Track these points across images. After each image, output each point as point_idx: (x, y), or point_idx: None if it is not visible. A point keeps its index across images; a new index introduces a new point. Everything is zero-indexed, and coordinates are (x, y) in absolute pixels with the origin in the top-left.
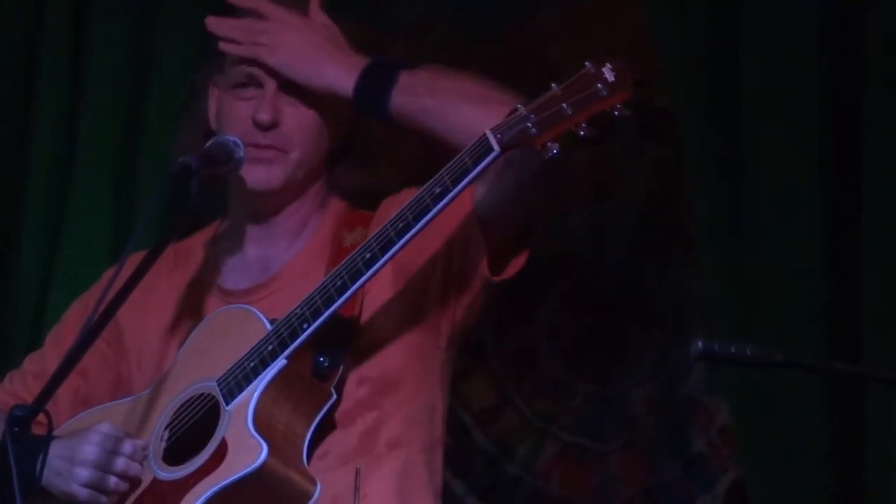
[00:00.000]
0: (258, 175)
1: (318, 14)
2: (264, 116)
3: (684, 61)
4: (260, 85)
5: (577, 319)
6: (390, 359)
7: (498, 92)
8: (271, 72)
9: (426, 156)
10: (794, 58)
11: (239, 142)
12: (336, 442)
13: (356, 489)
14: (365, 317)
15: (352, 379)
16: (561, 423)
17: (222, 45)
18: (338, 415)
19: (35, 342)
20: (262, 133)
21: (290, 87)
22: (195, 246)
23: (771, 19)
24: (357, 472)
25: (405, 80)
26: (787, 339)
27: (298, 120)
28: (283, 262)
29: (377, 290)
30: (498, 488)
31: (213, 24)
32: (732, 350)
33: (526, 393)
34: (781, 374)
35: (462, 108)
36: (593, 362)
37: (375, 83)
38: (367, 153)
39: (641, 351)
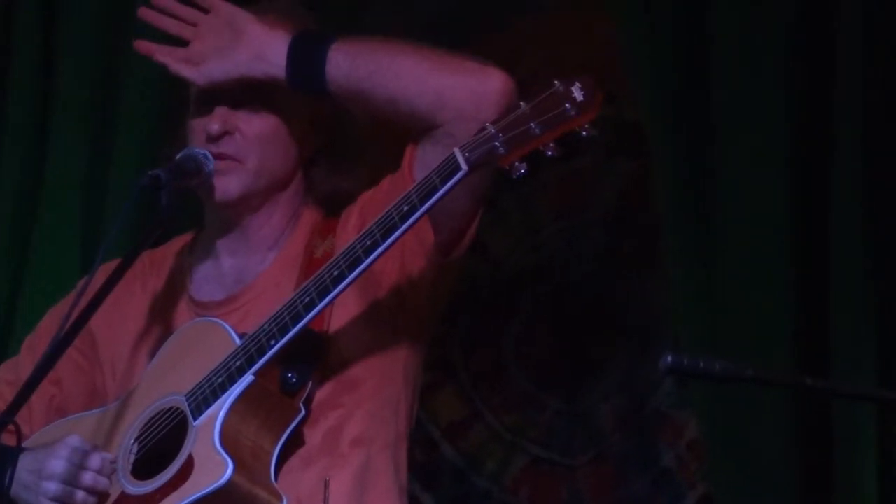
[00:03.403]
0: (214, 185)
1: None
2: (213, 127)
3: (654, 75)
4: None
5: (547, 333)
6: (353, 359)
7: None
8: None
9: (400, 160)
10: (763, 70)
11: (209, 154)
12: (299, 442)
13: (325, 501)
14: (333, 331)
15: (314, 379)
16: (530, 437)
17: (137, 44)
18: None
19: (3, 354)
20: (215, 143)
21: (247, 95)
22: (170, 254)
23: (739, 32)
24: (325, 484)
25: (341, 45)
26: (756, 354)
27: (255, 128)
28: (256, 274)
29: (344, 302)
30: (467, 502)
31: (144, 13)
32: (701, 364)
33: (495, 407)
34: (750, 388)
35: (420, 70)
36: (562, 376)
37: (306, 53)
38: (344, 159)
39: (610, 365)
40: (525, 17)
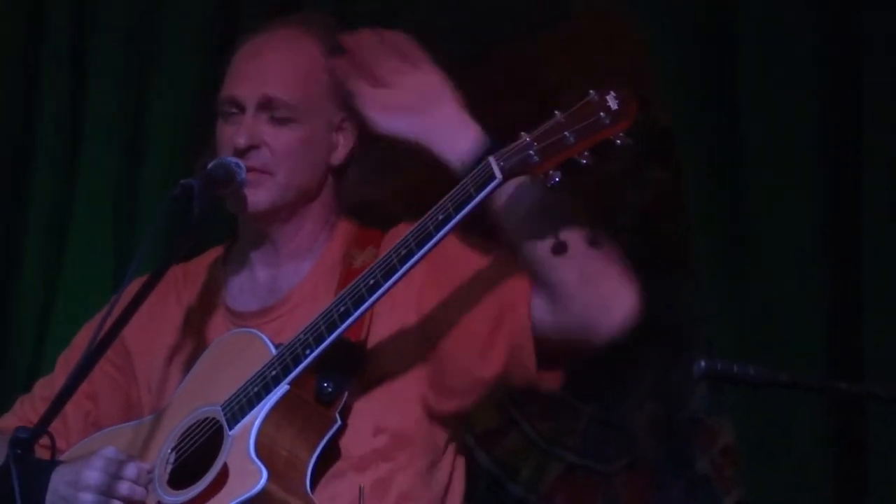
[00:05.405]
0: (246, 196)
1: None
2: (240, 141)
3: (682, 82)
4: (242, 109)
5: None
6: (407, 412)
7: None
8: (251, 94)
9: (430, 171)
10: (792, 76)
11: (241, 163)
12: (337, 455)
13: None
14: (372, 341)
15: (368, 426)
16: (565, 444)
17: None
18: (353, 460)
19: (37, 369)
20: (242, 156)
21: (274, 109)
22: (204, 267)
23: (768, 38)
24: (361, 491)
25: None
26: (788, 358)
27: (282, 141)
28: (291, 285)
29: (387, 314)
30: None
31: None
32: (735, 370)
33: (530, 414)
34: (784, 393)
35: (576, 264)
36: (596, 383)
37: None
38: (372, 169)
39: (644, 371)
40: (554, 25)
